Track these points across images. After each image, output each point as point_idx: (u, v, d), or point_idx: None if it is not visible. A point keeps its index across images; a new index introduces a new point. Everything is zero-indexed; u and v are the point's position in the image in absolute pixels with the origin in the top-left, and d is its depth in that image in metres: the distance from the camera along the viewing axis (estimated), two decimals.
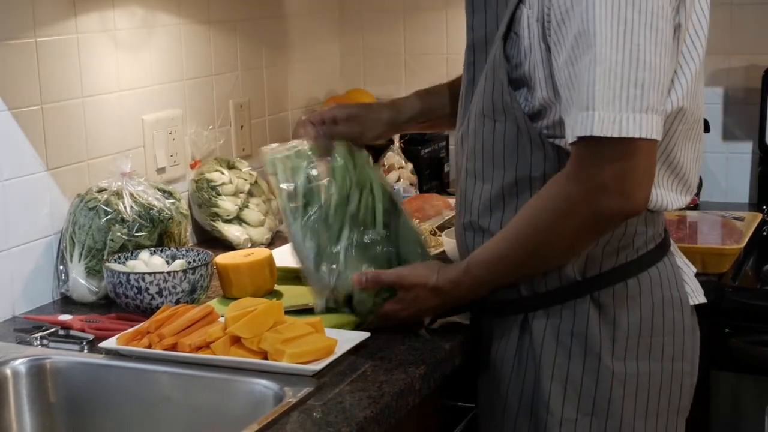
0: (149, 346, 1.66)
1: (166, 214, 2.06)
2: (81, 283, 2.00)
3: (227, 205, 2.37)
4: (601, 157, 1.46)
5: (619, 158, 1.45)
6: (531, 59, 1.56)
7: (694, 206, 2.74)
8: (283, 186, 1.83)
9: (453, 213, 2.03)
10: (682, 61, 1.56)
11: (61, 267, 2.03)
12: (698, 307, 1.76)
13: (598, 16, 1.43)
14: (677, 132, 1.61)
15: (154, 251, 2.01)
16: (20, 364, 1.70)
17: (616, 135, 1.43)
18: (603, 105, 1.43)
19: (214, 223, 2.38)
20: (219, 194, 2.37)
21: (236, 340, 1.62)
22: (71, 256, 2.00)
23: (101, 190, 2.04)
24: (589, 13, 1.44)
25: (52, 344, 1.77)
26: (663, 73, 1.46)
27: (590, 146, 1.47)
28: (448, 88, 1.98)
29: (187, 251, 2.02)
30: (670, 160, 1.63)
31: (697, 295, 1.75)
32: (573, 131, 1.47)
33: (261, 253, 2.03)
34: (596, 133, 1.43)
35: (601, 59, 1.43)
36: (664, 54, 1.46)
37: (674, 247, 1.77)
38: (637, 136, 1.44)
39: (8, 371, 1.70)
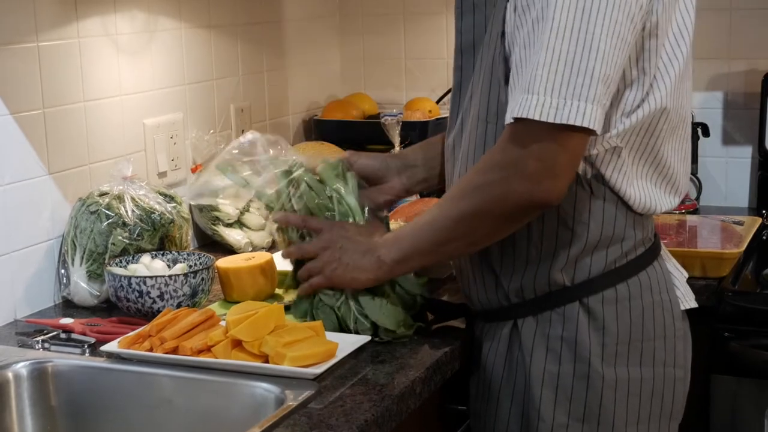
0: (150, 350, 1.66)
1: (168, 217, 2.07)
2: (82, 287, 2.00)
3: (228, 209, 2.37)
4: (531, 139, 1.46)
5: (547, 143, 1.45)
6: (514, 52, 1.56)
7: (694, 210, 2.75)
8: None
9: None
10: (666, 61, 1.56)
11: (63, 270, 2.03)
12: (698, 311, 1.76)
13: (558, 2, 1.44)
14: (662, 131, 1.61)
15: (156, 255, 2.01)
16: (22, 368, 1.71)
17: (552, 120, 1.43)
18: (545, 90, 1.43)
19: (215, 227, 2.38)
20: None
21: (237, 344, 1.62)
22: (72, 259, 2.01)
23: (102, 194, 2.05)
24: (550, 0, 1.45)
25: (53, 348, 1.77)
26: (614, 66, 1.46)
27: (523, 128, 1.46)
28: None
29: (188, 255, 2.02)
30: (658, 160, 1.63)
31: (688, 300, 1.74)
32: (512, 111, 1.47)
33: (262, 256, 2.03)
34: (534, 116, 1.43)
35: (553, 44, 1.43)
36: (618, 47, 1.46)
37: (665, 252, 1.76)
38: (578, 123, 1.43)
39: (10, 374, 1.70)
